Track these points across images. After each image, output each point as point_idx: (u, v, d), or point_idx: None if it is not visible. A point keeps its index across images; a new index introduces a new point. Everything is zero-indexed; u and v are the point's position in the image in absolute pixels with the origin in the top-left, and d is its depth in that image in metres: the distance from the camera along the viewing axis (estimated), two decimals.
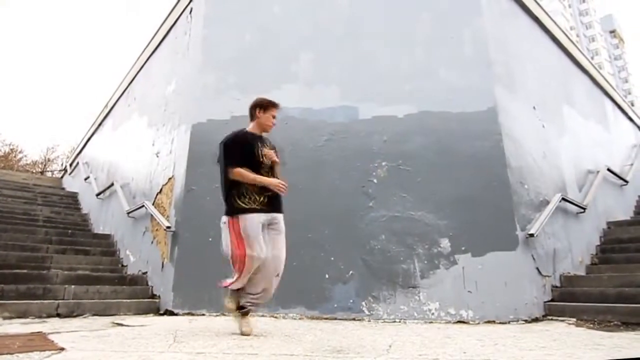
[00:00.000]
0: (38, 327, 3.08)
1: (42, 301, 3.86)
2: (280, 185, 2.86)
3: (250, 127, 3.08)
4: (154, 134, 6.28)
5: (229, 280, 2.89)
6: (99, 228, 7.58)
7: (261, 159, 2.89)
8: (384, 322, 3.78)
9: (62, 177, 13.52)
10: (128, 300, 4.34)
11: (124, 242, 6.18)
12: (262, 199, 2.84)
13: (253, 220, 2.76)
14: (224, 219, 2.88)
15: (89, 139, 10.80)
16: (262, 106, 3.04)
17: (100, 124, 10.05)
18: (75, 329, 3.02)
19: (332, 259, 4.19)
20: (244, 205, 2.80)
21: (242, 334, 2.78)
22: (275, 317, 3.97)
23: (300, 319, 3.93)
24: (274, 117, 3.07)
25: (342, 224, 4.34)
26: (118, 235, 6.51)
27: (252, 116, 3.08)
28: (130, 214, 5.95)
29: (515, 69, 5.20)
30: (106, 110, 9.61)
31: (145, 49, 7.58)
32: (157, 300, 4.48)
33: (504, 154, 4.32)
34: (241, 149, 2.90)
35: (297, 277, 4.18)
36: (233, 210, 2.82)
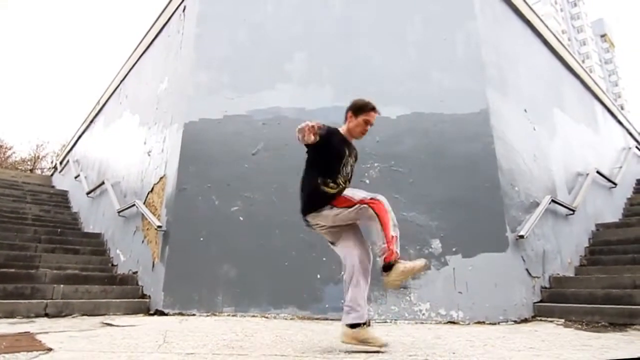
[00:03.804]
0: (26, 327, 3.04)
1: (30, 301, 3.81)
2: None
3: (342, 129, 2.70)
4: (145, 132, 6.24)
5: None
6: (89, 227, 7.51)
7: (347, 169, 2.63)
8: (375, 322, 3.79)
9: (51, 175, 13.36)
10: (118, 300, 4.31)
11: (114, 241, 6.13)
12: None
13: None
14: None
15: (79, 137, 10.70)
16: (356, 108, 2.59)
17: (91, 122, 9.96)
18: (63, 329, 2.98)
19: (324, 259, 4.19)
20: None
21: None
22: (267, 318, 3.96)
23: (291, 319, 3.93)
24: (366, 122, 2.58)
25: None
26: (108, 234, 6.45)
27: (345, 118, 2.68)
28: (120, 213, 5.91)
29: (508, 72, 5.24)
30: (97, 108, 9.53)
31: (137, 46, 7.53)
32: (147, 300, 4.45)
33: (495, 156, 4.36)
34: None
35: (289, 277, 4.19)
36: None
